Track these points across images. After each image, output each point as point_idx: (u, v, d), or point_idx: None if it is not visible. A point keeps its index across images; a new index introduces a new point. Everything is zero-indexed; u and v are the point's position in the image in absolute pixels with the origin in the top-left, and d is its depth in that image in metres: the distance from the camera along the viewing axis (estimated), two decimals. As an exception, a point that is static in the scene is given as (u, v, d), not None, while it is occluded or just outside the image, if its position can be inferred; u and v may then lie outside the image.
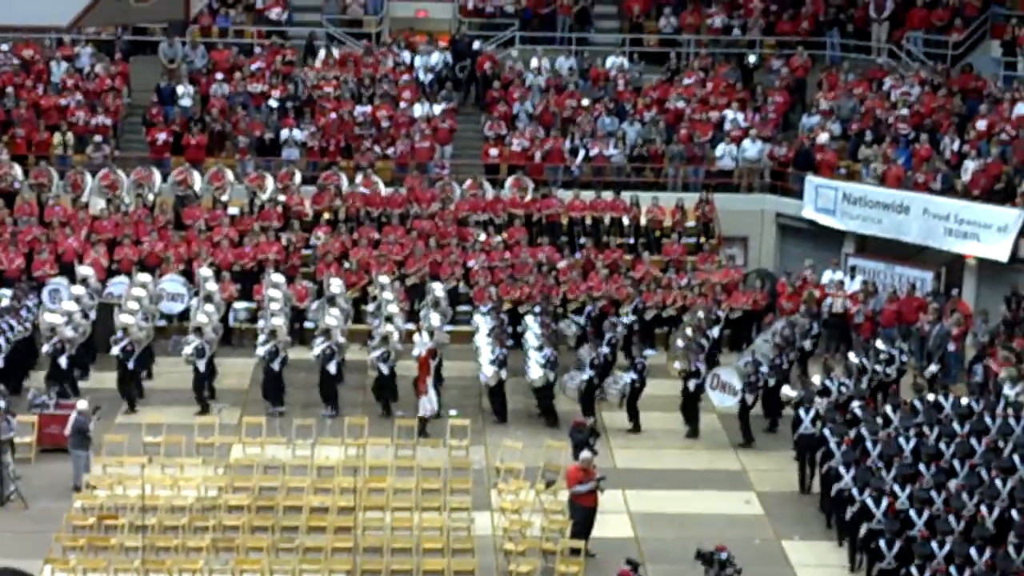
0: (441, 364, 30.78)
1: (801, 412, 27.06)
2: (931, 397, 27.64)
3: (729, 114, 38.84)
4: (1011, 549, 22.42)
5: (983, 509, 23.54)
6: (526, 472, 26.86)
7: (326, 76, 39.87)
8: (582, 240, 36.13)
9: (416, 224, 35.86)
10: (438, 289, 32.94)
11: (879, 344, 30.54)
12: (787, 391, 29.01)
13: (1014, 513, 23.51)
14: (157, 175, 36.83)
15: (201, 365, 29.95)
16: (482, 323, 31.70)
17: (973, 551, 22.20)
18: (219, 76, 39.66)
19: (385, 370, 29.92)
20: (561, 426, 29.21)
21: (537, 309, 32.48)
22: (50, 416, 27.99)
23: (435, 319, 31.09)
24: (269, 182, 36.73)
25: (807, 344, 31.84)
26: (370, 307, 32.79)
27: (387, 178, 37.49)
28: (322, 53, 40.84)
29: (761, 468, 28.33)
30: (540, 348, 30.28)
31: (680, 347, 30.46)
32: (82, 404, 26.56)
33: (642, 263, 34.92)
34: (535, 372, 29.92)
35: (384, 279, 33.19)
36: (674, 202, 36.78)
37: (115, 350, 29.90)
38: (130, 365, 29.89)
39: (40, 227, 35.11)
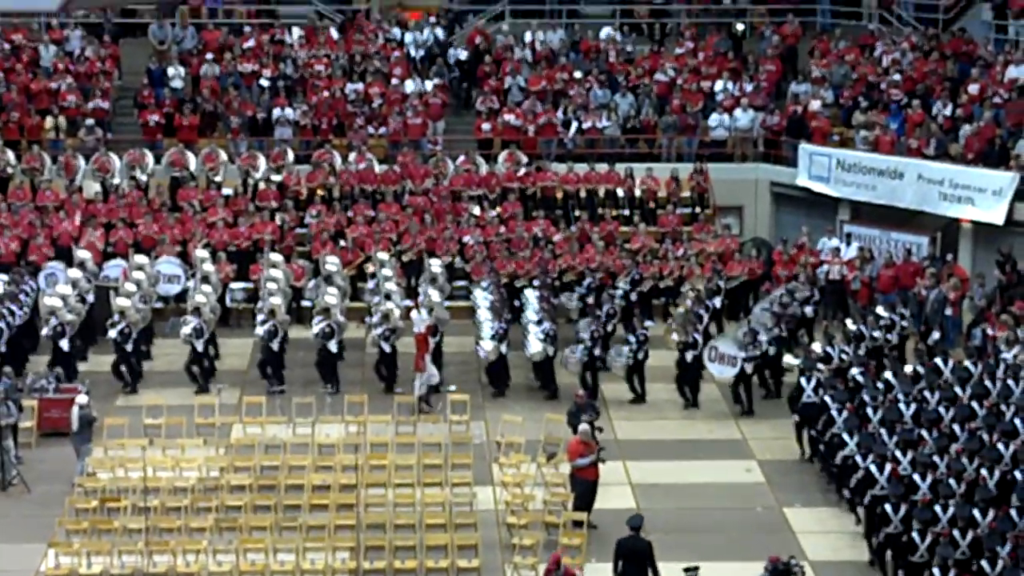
0: (442, 341, 30.72)
1: (803, 380, 27.08)
2: (931, 362, 27.68)
3: (720, 83, 38.76)
4: (1013, 512, 22.44)
5: (983, 472, 23.58)
6: (527, 446, 26.88)
7: (316, 54, 39.77)
8: (577, 213, 36.07)
9: (411, 200, 35.82)
10: (435, 265, 32.90)
11: (880, 310, 30.54)
12: (789, 359, 29.01)
13: (1017, 475, 23.54)
14: (149, 156, 36.73)
15: (199, 345, 29.94)
16: (482, 298, 31.69)
17: (976, 513, 22.23)
18: (209, 56, 39.54)
19: (387, 348, 29.90)
20: (561, 399, 29.24)
21: (536, 283, 32.46)
22: (50, 400, 27.96)
23: (434, 295, 31.06)
24: (261, 162, 36.64)
25: (808, 311, 31.84)
26: (369, 284, 32.72)
27: (380, 155, 37.42)
28: (296, 32, 40.62)
29: (761, 436, 28.37)
30: (539, 322, 30.28)
31: (679, 317, 30.47)
32: (82, 398, 26.40)
33: (638, 235, 34.89)
34: (534, 346, 29.93)
35: (383, 256, 33.16)
36: (668, 173, 36.75)
37: (112, 333, 29.90)
38: (128, 347, 29.88)
39: (34, 211, 35.04)
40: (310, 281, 33.11)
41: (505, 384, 30.17)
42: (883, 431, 24.85)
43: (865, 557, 23.62)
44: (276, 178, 36.32)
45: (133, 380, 30.03)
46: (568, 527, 23.75)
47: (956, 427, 25.23)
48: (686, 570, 20.79)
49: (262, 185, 36.19)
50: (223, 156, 36.70)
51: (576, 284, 33.42)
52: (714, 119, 37.96)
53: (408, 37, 40.66)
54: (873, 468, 23.54)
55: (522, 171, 36.72)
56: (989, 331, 29.84)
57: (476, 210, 35.54)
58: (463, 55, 40.11)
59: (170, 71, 39.07)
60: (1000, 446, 24.30)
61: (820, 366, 27.53)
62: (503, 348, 29.98)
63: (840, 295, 33.65)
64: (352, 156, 36.81)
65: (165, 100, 38.25)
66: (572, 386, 29.55)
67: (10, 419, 26.14)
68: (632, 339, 29.66)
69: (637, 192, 36.75)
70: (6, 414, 26.00)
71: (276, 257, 33.20)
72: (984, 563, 21.33)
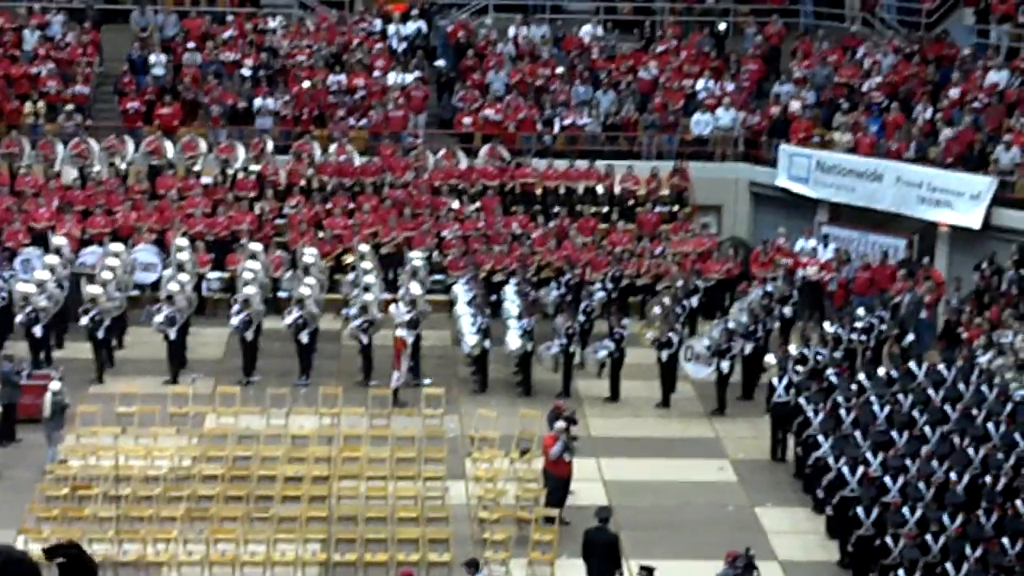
0: (420, 335, 30.60)
1: (774, 380, 27.13)
2: (905, 364, 27.76)
3: (702, 82, 38.77)
4: (981, 516, 22.50)
5: (952, 476, 23.63)
6: (501, 440, 26.89)
7: (299, 44, 39.67)
8: (556, 209, 36.05)
9: (390, 193, 35.75)
10: (416, 259, 32.85)
11: (859, 312, 30.60)
12: (770, 359, 29.07)
13: (987, 480, 23.60)
14: (129, 143, 36.62)
15: (172, 334, 29.86)
16: (461, 292, 31.66)
17: (945, 517, 22.29)
18: (191, 45, 39.41)
19: (365, 340, 29.86)
20: (536, 396, 29.25)
21: (515, 279, 32.44)
22: (23, 387, 27.82)
23: (415, 288, 31.00)
24: (240, 151, 36.54)
25: (787, 311, 31.89)
26: (350, 276, 32.63)
27: (361, 147, 37.34)
28: (279, 19, 40.54)
29: (735, 436, 28.41)
30: (519, 317, 30.27)
31: (656, 316, 30.51)
32: (55, 384, 26.34)
33: (616, 232, 34.88)
34: (513, 342, 29.90)
35: (365, 247, 33.11)
36: (648, 171, 36.75)
37: (84, 320, 29.82)
38: (99, 335, 29.79)
39: (11, 197, 34.91)
40: (287, 271, 33.05)
41: (486, 379, 30.10)
42: (857, 433, 24.90)
43: (835, 557, 23.67)
44: (255, 168, 36.23)
45: (100, 369, 29.92)
46: (540, 523, 23.76)
47: (928, 430, 25.29)
48: (642, 568, 20.79)
49: (240, 175, 36.10)
50: (202, 145, 36.59)
51: (554, 280, 33.41)
52: (695, 118, 37.96)
53: (391, 29, 40.60)
54: (845, 470, 23.58)
55: (500, 167, 36.67)
56: (965, 334, 29.94)
57: (455, 204, 35.51)
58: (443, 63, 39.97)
59: (151, 58, 38.93)
60: (970, 450, 24.38)
61: (797, 367, 27.57)
62: (486, 343, 29.92)
63: (816, 296, 33.70)
64: (332, 147, 36.74)
65: (146, 87, 38.12)
66: (551, 383, 29.56)
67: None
68: (609, 337, 29.69)
69: (616, 189, 36.76)
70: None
71: (255, 246, 33.13)
72: (949, 566, 21.38)
